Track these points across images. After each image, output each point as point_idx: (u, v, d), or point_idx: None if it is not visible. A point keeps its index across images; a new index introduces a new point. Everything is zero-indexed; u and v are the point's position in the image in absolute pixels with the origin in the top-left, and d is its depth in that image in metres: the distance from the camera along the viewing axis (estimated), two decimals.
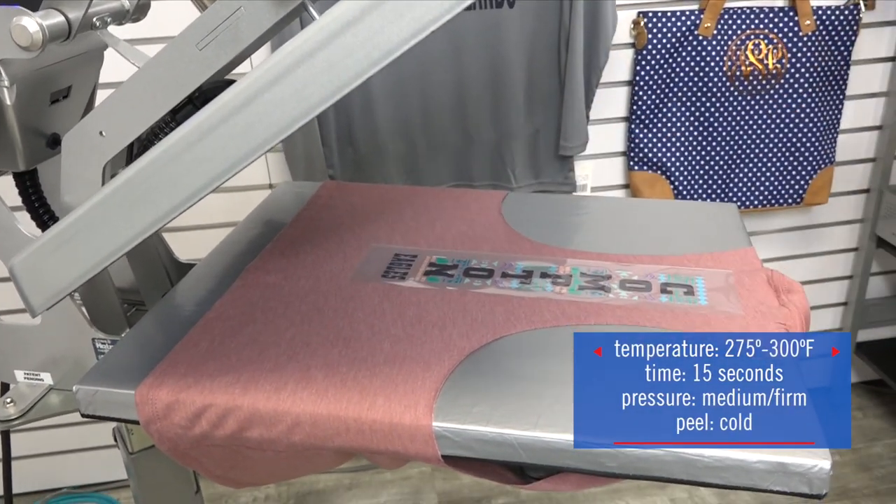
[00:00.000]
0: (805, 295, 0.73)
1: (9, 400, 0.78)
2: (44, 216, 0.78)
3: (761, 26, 1.45)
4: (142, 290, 0.85)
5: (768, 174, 1.55)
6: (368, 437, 0.60)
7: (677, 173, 1.53)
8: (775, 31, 1.45)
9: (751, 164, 1.54)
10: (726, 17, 1.43)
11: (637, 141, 1.52)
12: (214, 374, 0.64)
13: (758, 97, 1.48)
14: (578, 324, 0.70)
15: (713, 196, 1.55)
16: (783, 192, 1.57)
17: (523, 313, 0.73)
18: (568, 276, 0.80)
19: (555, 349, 0.67)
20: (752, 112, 1.49)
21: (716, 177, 1.54)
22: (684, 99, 1.48)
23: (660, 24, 1.43)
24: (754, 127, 1.50)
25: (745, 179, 1.55)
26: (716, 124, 1.49)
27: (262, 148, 0.53)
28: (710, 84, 1.46)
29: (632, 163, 1.54)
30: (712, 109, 1.48)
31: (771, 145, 1.52)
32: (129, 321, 0.82)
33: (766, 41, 1.45)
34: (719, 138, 1.51)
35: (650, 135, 1.51)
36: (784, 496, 0.54)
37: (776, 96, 1.49)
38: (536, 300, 0.75)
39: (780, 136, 1.52)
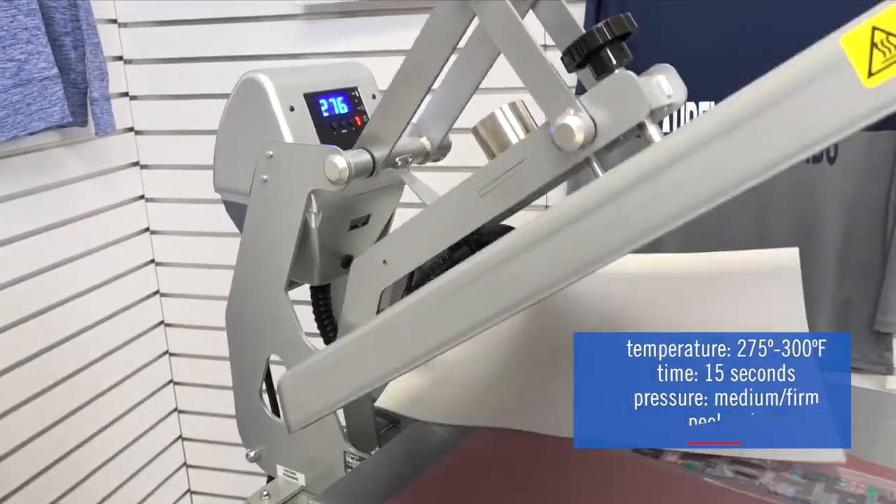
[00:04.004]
0: None
1: (265, 493, 0.83)
2: (329, 331, 0.83)
3: None
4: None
5: None
6: None
7: None
8: None
9: None
10: None
11: None
12: None
13: None
14: None
15: None
16: None
17: None
18: (861, 497, 0.64)
19: None
20: None
21: None
22: None
23: None
24: None
25: None
26: None
27: (524, 303, 0.51)
28: None
29: None
30: None
31: None
32: (382, 439, 0.84)
33: None
34: None
35: None
36: None
37: None
38: None
39: None
